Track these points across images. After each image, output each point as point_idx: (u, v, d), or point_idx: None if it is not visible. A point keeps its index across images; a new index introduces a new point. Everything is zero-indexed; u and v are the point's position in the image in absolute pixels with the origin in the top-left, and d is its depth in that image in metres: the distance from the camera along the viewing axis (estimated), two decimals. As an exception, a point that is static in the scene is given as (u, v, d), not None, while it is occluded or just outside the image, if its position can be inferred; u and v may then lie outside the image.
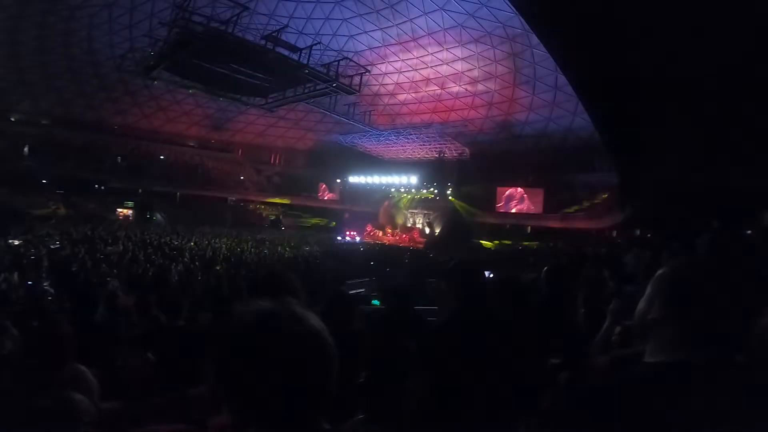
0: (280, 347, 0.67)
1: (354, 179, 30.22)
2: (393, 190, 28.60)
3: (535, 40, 17.98)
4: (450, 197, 25.53)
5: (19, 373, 1.80)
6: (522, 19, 15.88)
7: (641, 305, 0.87)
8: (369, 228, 27.61)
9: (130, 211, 26.40)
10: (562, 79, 18.28)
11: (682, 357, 0.76)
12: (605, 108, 4.76)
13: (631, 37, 3.27)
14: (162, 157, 30.02)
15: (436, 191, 26.04)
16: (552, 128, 22.97)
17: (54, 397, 1.51)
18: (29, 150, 24.06)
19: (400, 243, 24.62)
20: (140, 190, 26.83)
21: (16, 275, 7.99)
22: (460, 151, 24.82)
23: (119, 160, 27.65)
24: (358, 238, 26.35)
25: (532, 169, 23.79)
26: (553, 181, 23.28)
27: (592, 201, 20.76)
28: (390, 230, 27.39)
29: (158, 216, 26.59)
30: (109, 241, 14.96)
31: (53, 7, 20.24)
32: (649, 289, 0.86)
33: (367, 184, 29.39)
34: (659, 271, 0.85)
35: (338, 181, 32.03)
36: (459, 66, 23.73)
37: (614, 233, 16.54)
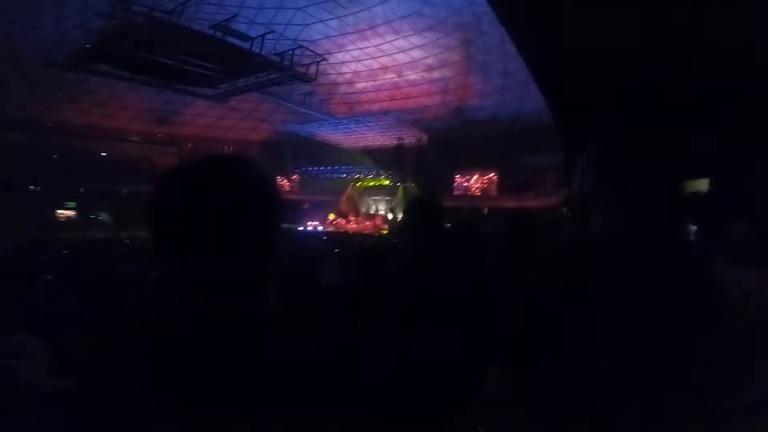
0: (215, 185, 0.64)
1: (313, 169, 29.88)
2: (354, 177, 28.59)
3: (485, 27, 18.56)
4: (400, 184, 25.85)
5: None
6: (472, 8, 16.30)
7: (575, 186, 0.92)
8: (331, 217, 27.51)
9: (72, 212, 24.60)
10: (510, 66, 19.07)
11: (613, 227, 0.84)
12: (556, 81, 5.03)
13: (582, 15, 3.46)
14: (103, 154, 28.07)
15: (396, 178, 26.36)
16: (503, 113, 23.89)
17: None
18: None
19: (364, 230, 24.77)
20: (81, 190, 25.03)
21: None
22: (417, 138, 25.23)
23: (55, 159, 25.55)
24: (320, 228, 26.20)
25: (486, 153, 24.66)
26: (505, 163, 24.31)
27: (541, 181, 21.91)
28: (353, 218, 27.45)
29: (103, 215, 25.01)
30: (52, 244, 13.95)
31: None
32: (578, 168, 0.92)
33: (327, 173, 29.18)
34: (584, 151, 0.95)
35: (296, 171, 31.53)
36: (415, 54, 24.00)
37: (564, 209, 17.61)
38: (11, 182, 22.25)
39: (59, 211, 24.31)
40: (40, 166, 24.14)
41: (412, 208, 1.92)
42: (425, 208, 1.89)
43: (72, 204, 24.73)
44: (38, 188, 23.86)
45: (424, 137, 25.27)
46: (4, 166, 22.35)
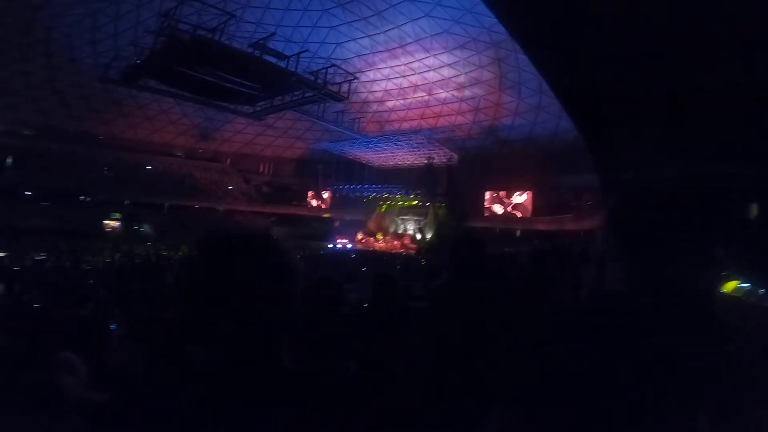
0: (239, 253, 0.71)
1: (344, 187, 30.26)
2: (383, 197, 28.68)
3: (518, 45, 18.37)
4: (430, 203, 25.65)
5: (8, 362, 1.80)
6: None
7: (597, 241, 0.89)
8: (360, 235, 27.57)
9: (117, 223, 25.95)
10: (545, 83, 18.67)
11: (628, 290, 0.78)
12: (582, 107, 4.87)
13: (603, 38, 3.38)
14: (149, 167, 29.68)
15: (425, 198, 26.18)
16: (538, 132, 23.35)
17: (40, 379, 1.53)
18: (12, 161, 23.64)
19: (392, 249, 24.61)
20: (127, 202, 26.45)
21: (2, 286, 7.85)
22: (448, 157, 25.04)
23: (106, 171, 27.26)
24: (349, 246, 26.29)
25: (520, 173, 24.09)
26: (541, 184, 23.58)
27: (578, 203, 21.06)
28: (381, 237, 27.39)
29: (146, 227, 26.21)
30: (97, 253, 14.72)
31: (33, 15, 20.04)
32: (602, 223, 0.88)
33: (357, 191, 29.43)
34: (609, 204, 0.87)
35: (328, 189, 32.03)
36: (446, 72, 24.06)
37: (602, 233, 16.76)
38: (67, 191, 23.92)
39: (106, 222, 25.67)
40: (92, 177, 25.82)
41: (456, 246, 1.98)
42: (468, 247, 1.94)
43: (118, 215, 26.07)
44: (88, 199, 25.41)
45: (455, 156, 25.05)
46: (61, 175, 24.14)
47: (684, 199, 0.81)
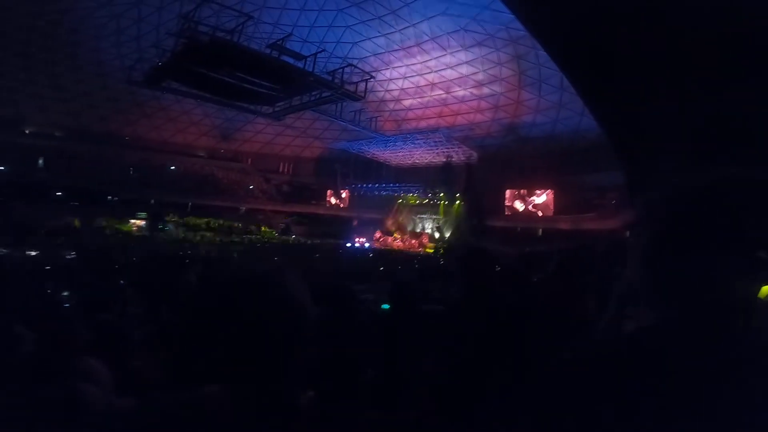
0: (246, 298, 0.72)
1: (362, 186, 30.33)
2: (401, 195, 28.60)
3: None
4: (449, 202, 25.46)
5: (31, 367, 1.83)
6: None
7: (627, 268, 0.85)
8: (378, 234, 27.58)
9: (142, 222, 26.72)
10: (567, 80, 18.20)
11: (654, 320, 0.74)
12: (606, 104, 4.70)
13: (628, 32, 3.25)
14: (173, 167, 30.43)
15: (444, 196, 25.98)
16: (559, 129, 22.84)
17: (61, 386, 1.53)
18: (43, 162, 24.62)
19: (410, 248, 24.53)
20: (152, 201, 27.19)
21: (33, 285, 8.15)
22: (467, 156, 24.76)
23: (131, 172, 28.08)
24: (367, 244, 26.33)
25: (541, 171, 23.64)
26: (563, 182, 23.07)
27: (601, 202, 20.51)
28: (399, 236, 27.33)
29: (170, 226, 26.89)
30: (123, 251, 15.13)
31: (60, 18, 20.75)
32: (630, 251, 0.84)
33: (375, 190, 29.44)
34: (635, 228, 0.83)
35: (346, 188, 32.17)
36: (463, 70, 23.77)
37: (627, 233, 16.29)
38: (94, 191, 24.77)
39: (132, 221, 26.45)
40: (118, 177, 26.64)
41: (463, 258, 1.93)
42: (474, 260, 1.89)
43: (143, 214, 26.83)
44: (115, 199, 26.25)
45: (474, 155, 24.74)
46: (89, 176, 25.01)
47: (719, 203, 0.75)
